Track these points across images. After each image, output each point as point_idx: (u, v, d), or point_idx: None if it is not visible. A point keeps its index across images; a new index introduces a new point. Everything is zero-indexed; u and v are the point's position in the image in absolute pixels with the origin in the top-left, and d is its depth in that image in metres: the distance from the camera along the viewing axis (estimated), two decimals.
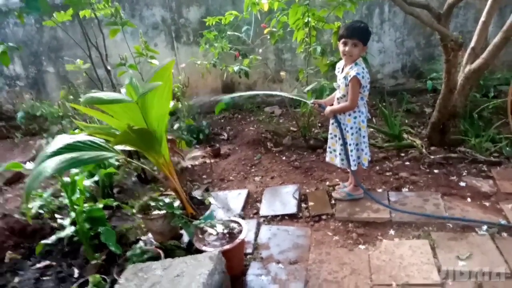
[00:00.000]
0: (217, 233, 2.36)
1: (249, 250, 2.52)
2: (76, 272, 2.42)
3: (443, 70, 3.32)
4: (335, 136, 2.83)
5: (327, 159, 2.99)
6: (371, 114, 3.09)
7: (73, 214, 2.43)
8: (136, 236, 2.64)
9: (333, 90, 3.00)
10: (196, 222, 2.34)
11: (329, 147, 2.94)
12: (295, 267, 2.35)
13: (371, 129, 3.92)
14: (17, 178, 4.01)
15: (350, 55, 2.59)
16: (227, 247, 2.21)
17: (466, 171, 3.14)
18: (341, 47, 2.62)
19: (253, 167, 3.73)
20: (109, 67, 3.52)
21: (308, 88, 3.63)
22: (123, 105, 2.14)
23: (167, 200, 2.55)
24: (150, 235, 2.63)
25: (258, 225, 2.80)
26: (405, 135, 3.73)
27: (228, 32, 4.19)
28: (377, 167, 3.34)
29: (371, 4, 4.77)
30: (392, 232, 2.56)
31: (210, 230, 2.36)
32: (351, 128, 2.70)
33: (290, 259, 2.41)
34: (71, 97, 4.16)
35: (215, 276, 1.91)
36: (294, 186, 3.21)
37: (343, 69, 2.70)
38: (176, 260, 2.03)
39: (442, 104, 3.40)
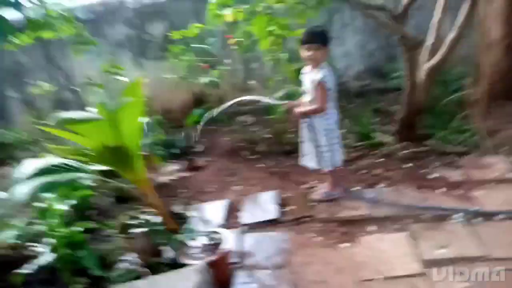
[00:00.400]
0: (201, 246, 2.35)
1: (234, 260, 2.52)
2: None
3: (405, 69, 3.46)
4: (309, 139, 2.88)
5: (302, 163, 3.04)
6: (341, 116, 3.19)
7: (51, 240, 2.36)
8: (119, 256, 2.58)
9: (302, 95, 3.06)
10: (179, 236, 2.33)
11: (303, 151, 2.99)
12: (281, 272, 2.36)
13: (342, 130, 4.00)
14: None
15: (314, 59, 2.66)
16: (212, 258, 2.21)
17: (436, 163, 3.25)
18: (304, 52, 2.69)
19: (232, 177, 3.73)
20: (76, 88, 3.47)
21: (280, 94, 3.68)
22: (94, 123, 2.11)
23: (147, 217, 2.52)
24: (133, 254, 2.58)
25: (242, 234, 2.80)
26: (375, 133, 3.85)
27: (194, 45, 4.20)
28: (352, 166, 3.42)
29: (331, 9, 4.90)
30: (373, 227, 2.63)
31: (194, 243, 2.35)
32: (324, 129, 2.77)
33: (276, 264, 2.43)
34: (39, 121, 4.05)
35: None
36: (273, 192, 3.24)
37: (308, 73, 2.77)
38: (162, 276, 2.02)
39: (407, 101, 3.53)
